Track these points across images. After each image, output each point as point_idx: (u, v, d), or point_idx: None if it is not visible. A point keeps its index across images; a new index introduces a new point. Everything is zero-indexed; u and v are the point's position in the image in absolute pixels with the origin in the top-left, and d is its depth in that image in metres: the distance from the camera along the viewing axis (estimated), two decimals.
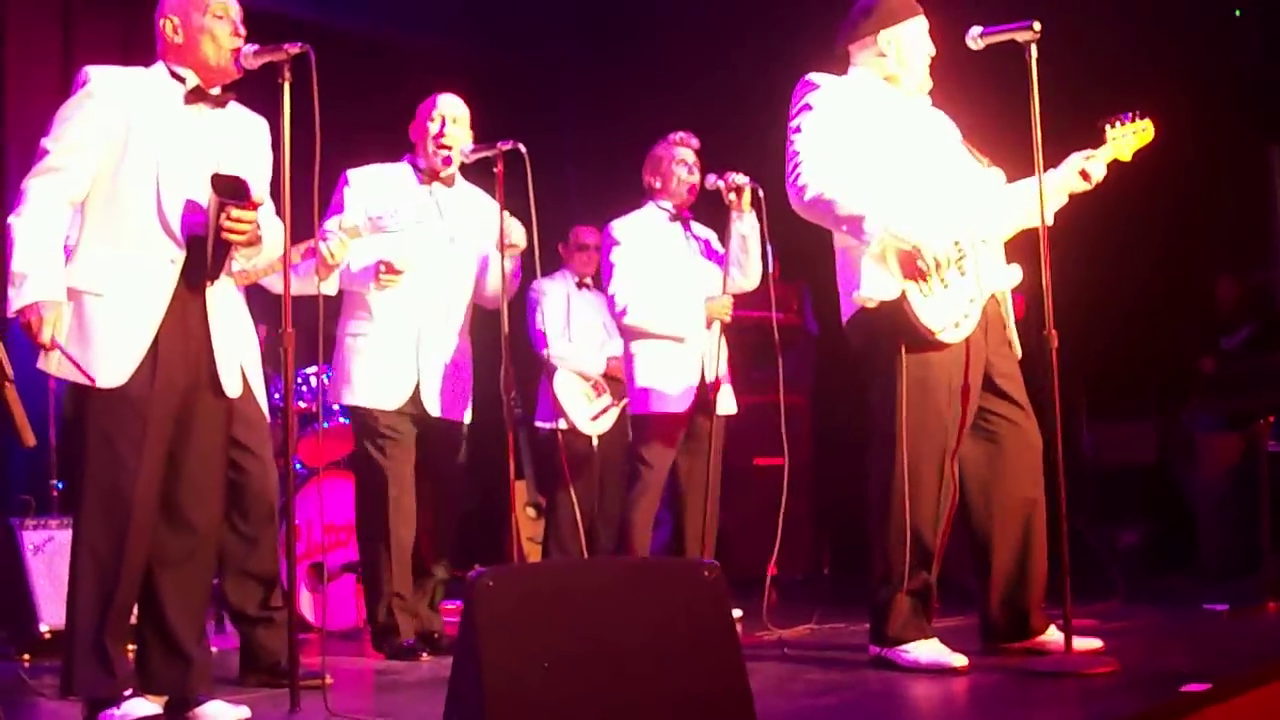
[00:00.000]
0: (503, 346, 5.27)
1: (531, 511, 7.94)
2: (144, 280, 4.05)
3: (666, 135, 6.29)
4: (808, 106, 4.69)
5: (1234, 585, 6.27)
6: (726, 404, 6.13)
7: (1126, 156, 4.92)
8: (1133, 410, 8.50)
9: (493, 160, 5.35)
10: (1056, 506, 4.41)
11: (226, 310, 4.23)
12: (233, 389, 4.20)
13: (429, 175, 5.53)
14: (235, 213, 4.04)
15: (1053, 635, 4.65)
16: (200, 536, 4.17)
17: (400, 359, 5.39)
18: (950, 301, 4.58)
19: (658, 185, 6.25)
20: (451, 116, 5.51)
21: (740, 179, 5.92)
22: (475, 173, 5.62)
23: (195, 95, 4.23)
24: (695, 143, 6.26)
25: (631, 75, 9.05)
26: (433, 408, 5.41)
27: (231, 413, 4.28)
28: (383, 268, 5.25)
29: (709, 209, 6.25)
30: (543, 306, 7.06)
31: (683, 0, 8.76)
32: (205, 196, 4.10)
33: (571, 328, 7.12)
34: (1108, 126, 4.91)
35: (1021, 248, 4.85)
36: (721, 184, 5.96)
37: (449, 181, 5.56)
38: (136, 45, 7.25)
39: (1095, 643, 4.57)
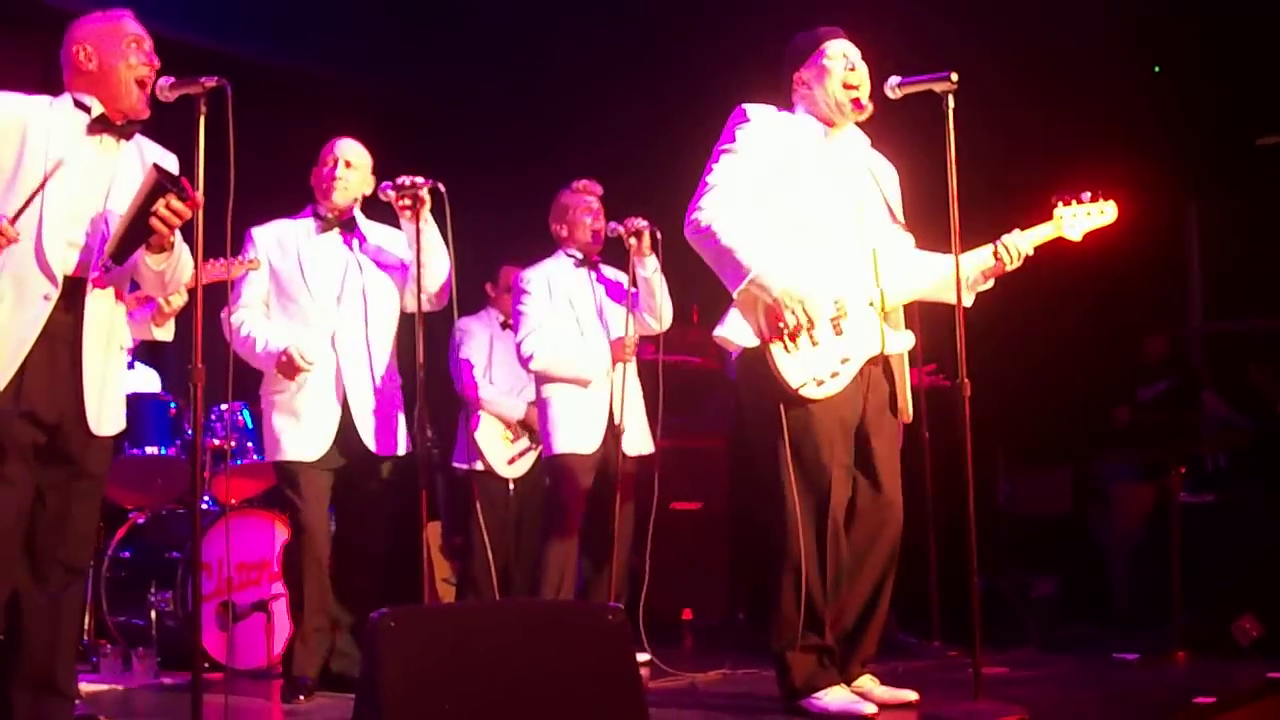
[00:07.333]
0: (418, 386, 5.23)
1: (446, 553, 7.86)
2: (17, 312, 3.98)
3: (570, 183, 6.28)
4: (731, 139, 4.61)
5: (1144, 634, 6.32)
6: (638, 444, 6.11)
7: (1076, 237, 4.81)
8: (1049, 459, 8.56)
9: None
10: (967, 554, 4.40)
11: (105, 347, 4.14)
12: (99, 426, 4.11)
13: (328, 222, 5.43)
14: (175, 203, 3.95)
15: (865, 684, 4.58)
16: (69, 575, 4.14)
17: (325, 407, 5.30)
18: (817, 358, 4.48)
19: (564, 234, 6.26)
20: (345, 160, 5.45)
21: (639, 223, 5.90)
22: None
23: (99, 125, 4.16)
24: (598, 189, 6.24)
25: (556, 115, 9.06)
26: (369, 442, 5.33)
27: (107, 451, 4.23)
28: (284, 358, 5.19)
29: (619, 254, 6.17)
30: (466, 346, 7.03)
31: (604, 43, 8.77)
32: (85, 235, 4.04)
33: (493, 369, 7.07)
34: (1059, 204, 4.79)
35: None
36: (621, 229, 5.94)
37: (350, 225, 5.47)
38: (56, 72, 7.21)
39: (910, 695, 4.54)
